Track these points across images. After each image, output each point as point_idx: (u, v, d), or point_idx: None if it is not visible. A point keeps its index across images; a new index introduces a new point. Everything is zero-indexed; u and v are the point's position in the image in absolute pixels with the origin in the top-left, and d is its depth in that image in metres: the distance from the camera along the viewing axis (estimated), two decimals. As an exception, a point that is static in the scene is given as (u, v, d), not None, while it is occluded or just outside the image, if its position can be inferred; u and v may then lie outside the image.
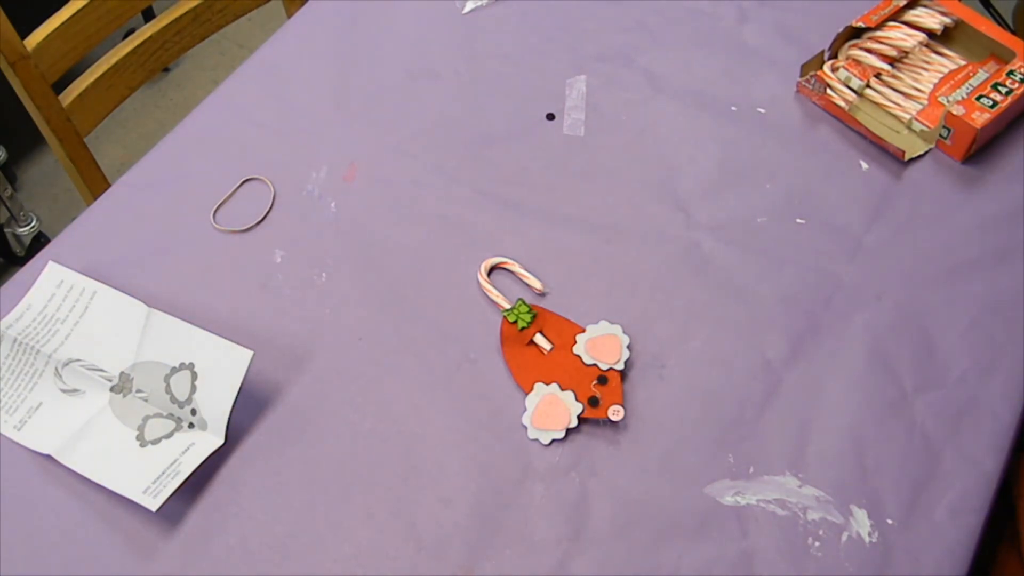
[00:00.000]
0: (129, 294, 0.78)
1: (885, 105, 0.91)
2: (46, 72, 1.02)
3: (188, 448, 0.70)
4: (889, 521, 0.68)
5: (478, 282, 0.81)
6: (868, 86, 0.92)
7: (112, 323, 0.76)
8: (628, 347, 0.76)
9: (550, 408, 0.73)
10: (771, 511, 0.69)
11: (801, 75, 0.94)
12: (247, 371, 0.72)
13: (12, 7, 1.14)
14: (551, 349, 0.76)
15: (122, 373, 0.75)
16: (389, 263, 0.83)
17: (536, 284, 0.81)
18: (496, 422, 0.74)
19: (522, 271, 0.82)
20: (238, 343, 0.72)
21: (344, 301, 0.80)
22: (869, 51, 0.93)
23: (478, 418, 0.74)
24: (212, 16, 1.16)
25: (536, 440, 0.73)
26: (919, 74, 0.93)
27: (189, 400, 0.72)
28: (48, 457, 0.72)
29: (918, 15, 0.95)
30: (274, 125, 0.93)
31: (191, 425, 0.72)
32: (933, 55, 0.94)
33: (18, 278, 0.82)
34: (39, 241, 1.75)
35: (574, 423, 0.72)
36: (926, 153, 0.89)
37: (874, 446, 0.72)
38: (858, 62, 0.93)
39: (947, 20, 0.94)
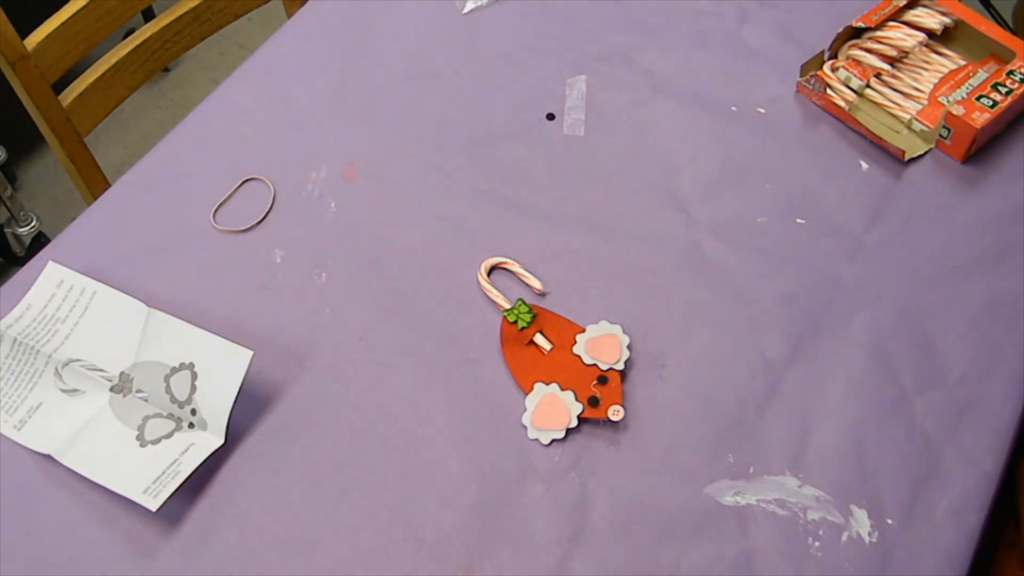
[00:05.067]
0: (129, 294, 0.78)
1: (885, 105, 0.91)
2: (46, 72, 1.02)
3: (188, 448, 0.70)
4: (889, 521, 0.68)
5: (478, 282, 0.81)
6: (868, 86, 0.92)
7: (112, 323, 0.76)
8: (628, 347, 0.76)
9: (550, 408, 0.73)
10: (771, 511, 0.69)
11: (801, 75, 0.94)
12: (247, 371, 0.72)
13: (12, 7, 1.14)
14: (551, 349, 0.76)
15: (122, 373, 0.75)
16: (389, 263, 0.83)
17: (536, 284, 0.81)
18: (496, 422, 0.74)
19: (522, 271, 0.82)
20: (238, 343, 0.72)
21: (344, 301, 0.80)
22: (869, 51, 0.93)
23: (478, 418, 0.74)
24: (212, 16, 1.16)
25: (536, 440, 0.73)
26: (919, 74, 0.93)
27: (189, 400, 0.72)
28: (48, 457, 0.72)
29: (918, 15, 0.95)
30: (274, 125, 0.93)
31: (191, 425, 0.72)
32: (933, 55, 0.94)
33: (18, 278, 0.82)
34: (39, 241, 1.76)
35: (574, 423, 0.72)
36: (926, 153, 0.89)
37: (874, 446, 0.72)
38: (858, 62, 0.93)
39: (947, 20, 0.94)
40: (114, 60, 1.09)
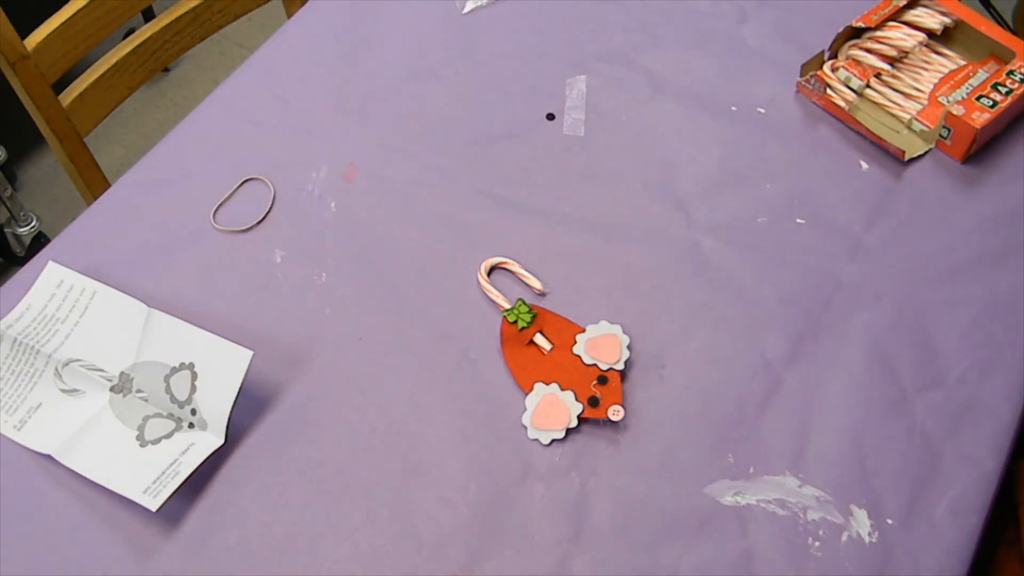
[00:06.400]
0: (129, 294, 0.78)
1: (885, 105, 0.91)
2: (46, 72, 1.02)
3: (188, 448, 0.70)
4: (889, 521, 0.68)
5: (478, 282, 0.81)
6: (868, 86, 0.92)
7: (112, 323, 0.76)
8: (628, 347, 0.76)
9: (550, 408, 0.73)
10: (771, 511, 0.69)
11: (801, 75, 0.94)
12: (247, 371, 0.72)
13: (12, 7, 1.14)
14: (551, 349, 0.76)
15: (122, 373, 0.75)
16: (389, 263, 0.83)
17: (536, 284, 0.81)
18: (496, 422, 0.74)
19: (522, 271, 0.82)
20: (238, 343, 0.72)
21: (344, 301, 0.80)
22: (869, 51, 0.93)
23: (478, 418, 0.74)
24: (212, 16, 1.16)
25: (536, 440, 0.73)
26: (919, 74, 0.93)
27: (189, 400, 0.72)
28: (48, 457, 0.72)
29: (918, 15, 0.95)
30: (274, 125, 0.93)
31: (191, 425, 0.72)
32: (933, 55, 0.94)
33: (18, 278, 0.82)
34: (39, 241, 1.76)
35: (574, 423, 0.72)
36: (926, 153, 0.89)
37: (874, 446, 0.72)
38: (858, 62, 0.93)
39: (947, 20, 0.94)
40: (114, 60, 1.09)
